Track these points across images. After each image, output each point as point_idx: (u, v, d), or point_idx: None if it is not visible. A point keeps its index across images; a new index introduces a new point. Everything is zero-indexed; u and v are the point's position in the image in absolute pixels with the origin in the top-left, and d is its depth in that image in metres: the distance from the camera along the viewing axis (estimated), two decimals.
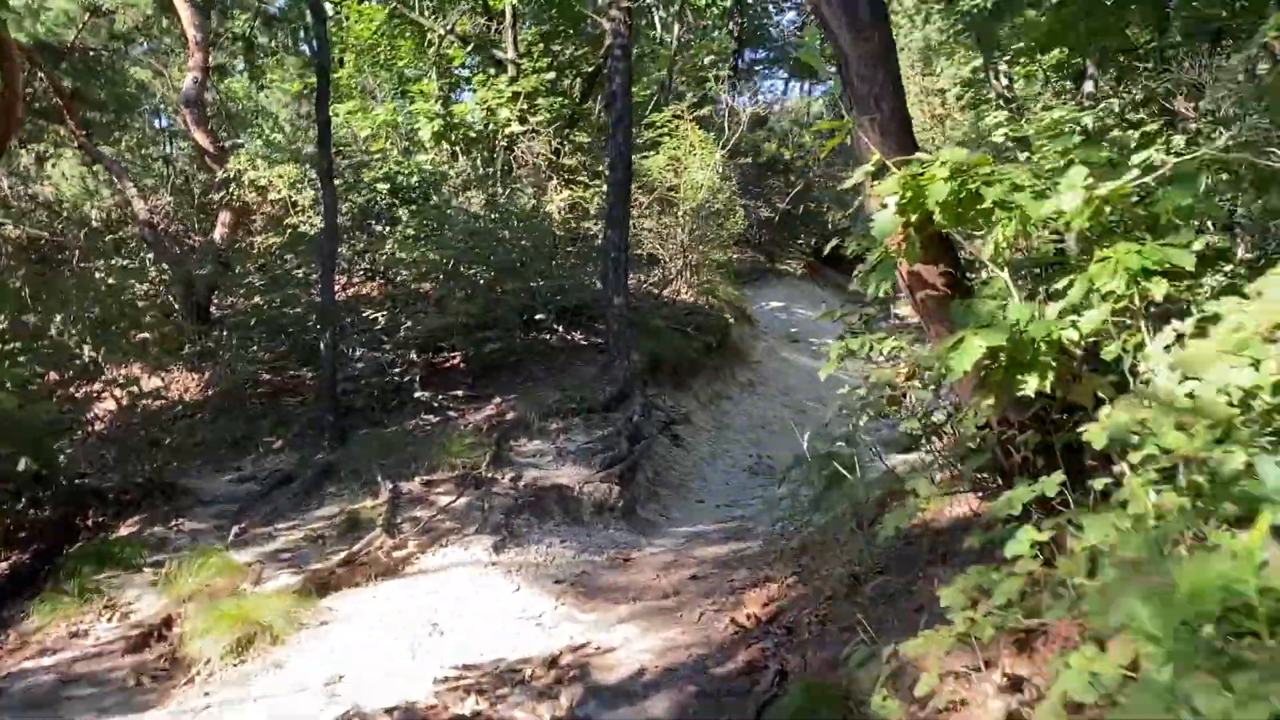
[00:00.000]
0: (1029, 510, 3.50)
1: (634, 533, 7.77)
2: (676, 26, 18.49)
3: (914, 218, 4.08)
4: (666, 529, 8.08)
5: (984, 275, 6.52)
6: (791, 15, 30.86)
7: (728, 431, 11.14)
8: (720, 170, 13.44)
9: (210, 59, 13.38)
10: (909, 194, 3.98)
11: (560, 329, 11.01)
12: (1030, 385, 3.64)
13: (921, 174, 3.92)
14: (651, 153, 13.27)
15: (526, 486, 7.79)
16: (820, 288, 21.69)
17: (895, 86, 4.60)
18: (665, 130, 13.47)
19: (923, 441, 5.24)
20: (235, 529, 7.50)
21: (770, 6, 31.22)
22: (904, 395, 5.40)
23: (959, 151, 3.92)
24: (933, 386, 5.33)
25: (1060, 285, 3.80)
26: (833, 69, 4.89)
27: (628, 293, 9.54)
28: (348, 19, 14.47)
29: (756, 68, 29.08)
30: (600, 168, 13.94)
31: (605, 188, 9.94)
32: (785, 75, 30.56)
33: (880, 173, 4.21)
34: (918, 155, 4.07)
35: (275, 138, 14.01)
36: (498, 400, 9.38)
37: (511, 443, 8.53)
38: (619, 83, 8.96)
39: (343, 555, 6.60)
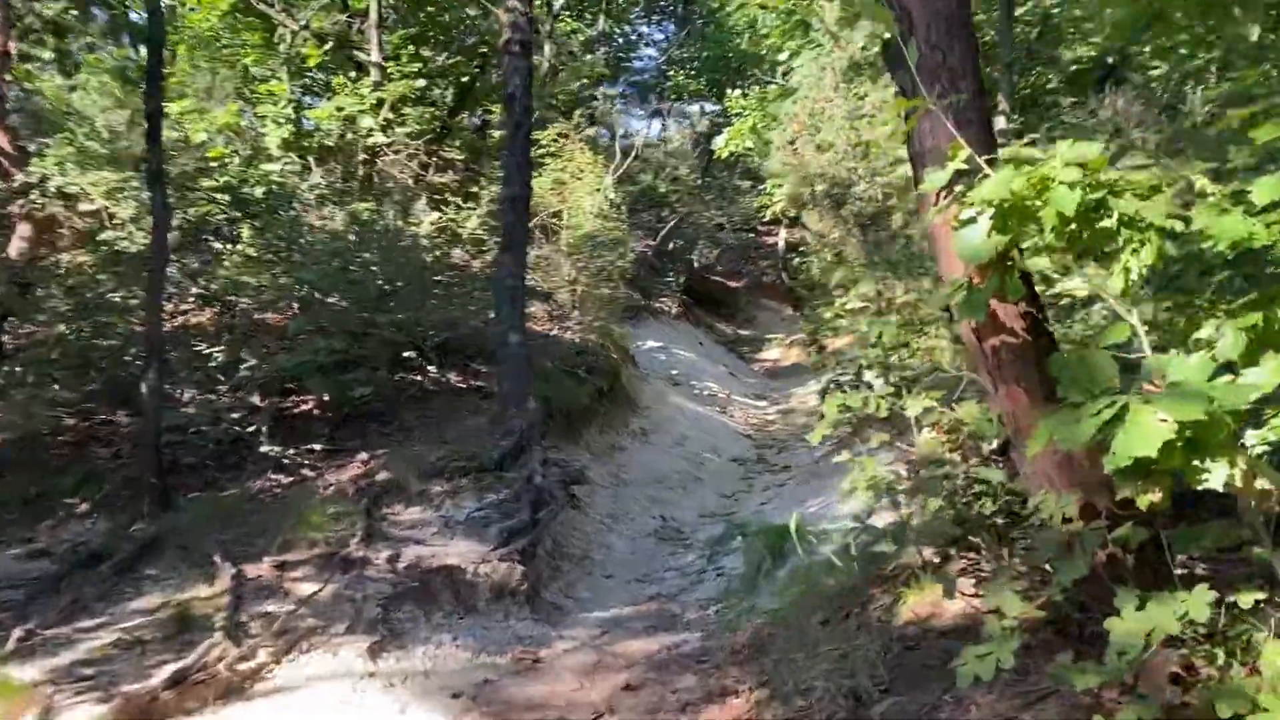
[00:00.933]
0: None
1: (541, 623, 6.39)
2: (547, 46, 17.39)
3: (1013, 237, 3.05)
4: (577, 615, 6.73)
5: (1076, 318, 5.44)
6: (651, 52, 30.45)
7: (626, 488, 9.90)
8: (610, 197, 12.34)
9: (12, 45, 11.20)
10: (1015, 203, 2.93)
11: (435, 370, 9.52)
12: (1216, 477, 2.62)
13: (1032, 177, 2.89)
14: (534, 173, 12.01)
15: (408, 568, 6.28)
16: (694, 327, 20.86)
17: (975, 63, 3.55)
18: (549, 149, 12.25)
19: (972, 534, 4.14)
20: (18, 631, 5.64)
21: (635, 37, 30.76)
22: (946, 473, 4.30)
23: (1090, 146, 2.91)
24: (995, 462, 4.26)
25: (1204, 334, 2.82)
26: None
27: (524, 329, 8.20)
28: (183, 4, 12.55)
29: (618, 103, 28.36)
30: (474, 189, 12.55)
31: (499, 205, 8.60)
32: (645, 113, 30.04)
33: (966, 173, 3.15)
34: (1011, 152, 3.03)
35: (90, 145, 11.90)
36: (365, 456, 7.80)
37: (386, 510, 7.00)
38: (518, 83, 7.68)
39: (170, 672, 4.93)
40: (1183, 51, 12.19)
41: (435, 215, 11.71)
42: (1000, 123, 10.97)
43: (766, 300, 26.96)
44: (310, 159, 11.91)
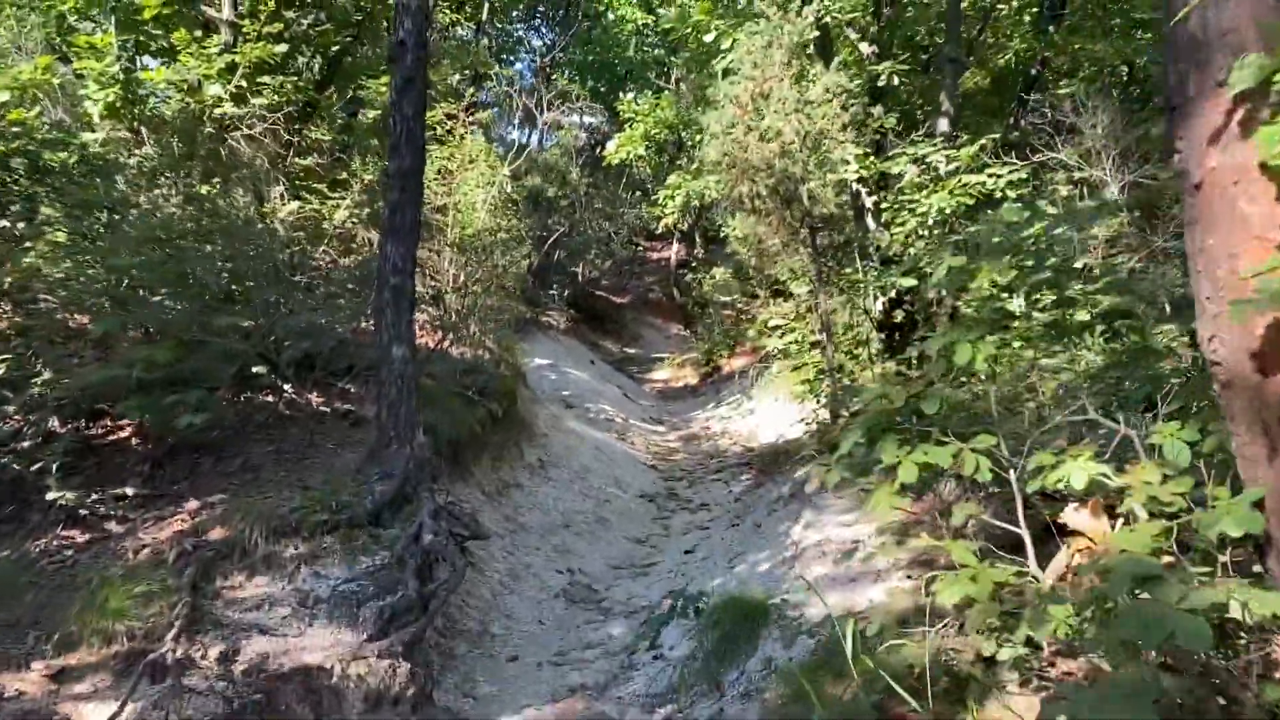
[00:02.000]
0: None
1: None
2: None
3: None
4: None
5: None
6: (519, 66, 28.86)
7: (525, 535, 8.27)
8: (505, 192, 10.71)
9: None
10: None
11: (291, 390, 7.67)
12: None
13: None
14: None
15: (249, 673, 4.51)
16: (582, 343, 19.35)
17: None
18: (435, 133, 10.53)
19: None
20: None
21: (514, 41, 29.13)
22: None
23: None
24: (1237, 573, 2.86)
25: None
26: None
27: (413, 342, 6.46)
28: None
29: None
30: (342, 175, 10.68)
31: (383, 181, 6.81)
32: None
33: None
34: None
35: None
36: (194, 505, 5.91)
37: (221, 583, 5.17)
38: (409, 28, 5.96)
39: None
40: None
41: (296, 205, 9.80)
42: (943, 125, 9.99)
43: (653, 318, 25.75)
44: (143, 130, 9.80)
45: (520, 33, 29.84)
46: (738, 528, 8.70)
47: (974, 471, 3.06)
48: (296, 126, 10.77)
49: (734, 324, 19.45)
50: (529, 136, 20.73)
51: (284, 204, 9.93)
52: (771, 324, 10.95)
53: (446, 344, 9.43)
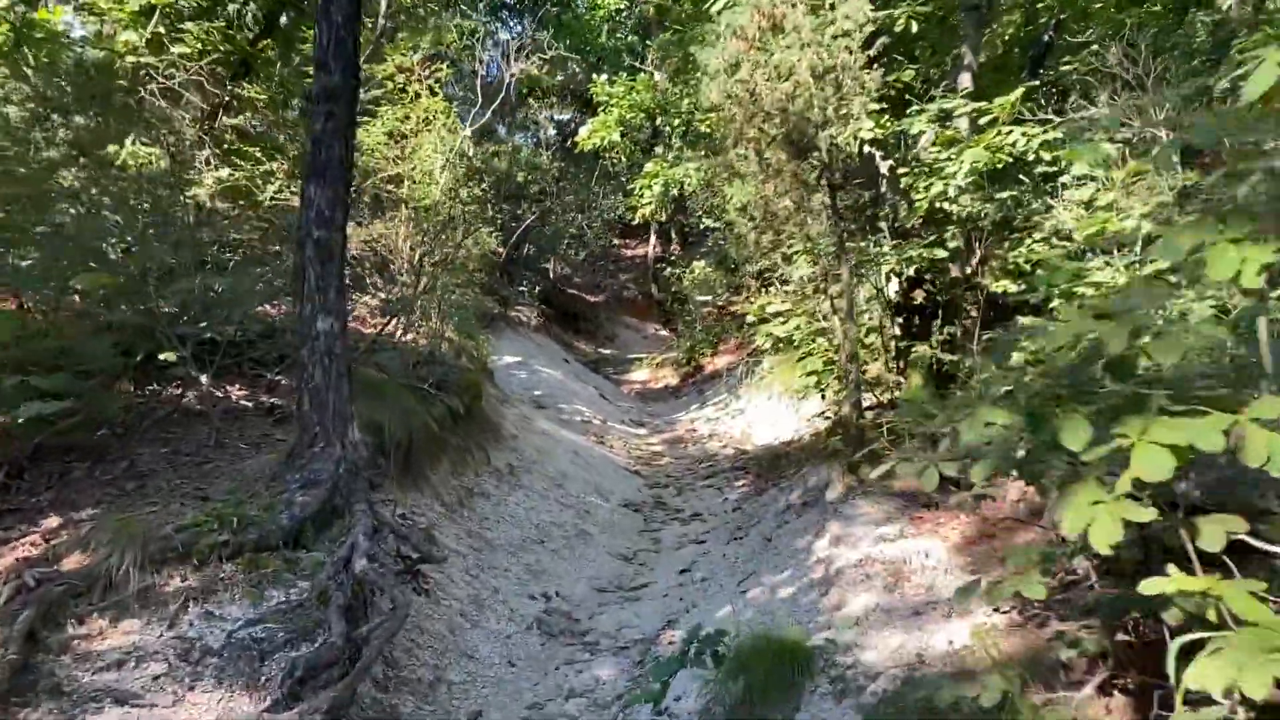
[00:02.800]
0: None
1: None
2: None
3: None
4: None
5: None
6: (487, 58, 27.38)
7: (492, 554, 6.92)
8: (469, 159, 9.37)
9: None
10: None
11: (207, 380, 6.27)
12: None
13: None
14: (364, 120, 8.90)
15: None
16: (555, 342, 18.00)
17: None
18: (386, 88, 9.15)
19: None
20: None
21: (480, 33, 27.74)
22: None
23: None
24: None
25: None
26: None
27: (344, 313, 5.08)
28: None
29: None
30: (282, 138, 9.31)
31: (307, 105, 5.40)
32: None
33: None
34: None
35: None
36: (54, 521, 4.52)
37: (72, 631, 3.79)
38: None
39: None
40: None
41: (225, 172, 8.41)
42: (965, 80, 8.79)
43: (628, 317, 24.44)
44: (38, 78, 8.36)
45: (484, 25, 28.54)
46: (741, 541, 7.41)
47: (1265, 462, 1.77)
48: (229, 86, 9.36)
49: (716, 321, 18.21)
50: (495, 117, 19.31)
51: (211, 171, 8.54)
52: (770, 309, 9.67)
53: (399, 330, 8.05)
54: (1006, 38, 10.87)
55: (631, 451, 11.85)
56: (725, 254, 17.35)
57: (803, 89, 6.27)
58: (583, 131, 20.04)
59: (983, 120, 7.74)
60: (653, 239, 21.17)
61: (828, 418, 9.84)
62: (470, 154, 8.95)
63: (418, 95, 9.15)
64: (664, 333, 22.50)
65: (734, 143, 6.91)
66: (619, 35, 26.20)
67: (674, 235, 24.68)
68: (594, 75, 20.07)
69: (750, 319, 10.77)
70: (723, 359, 17.16)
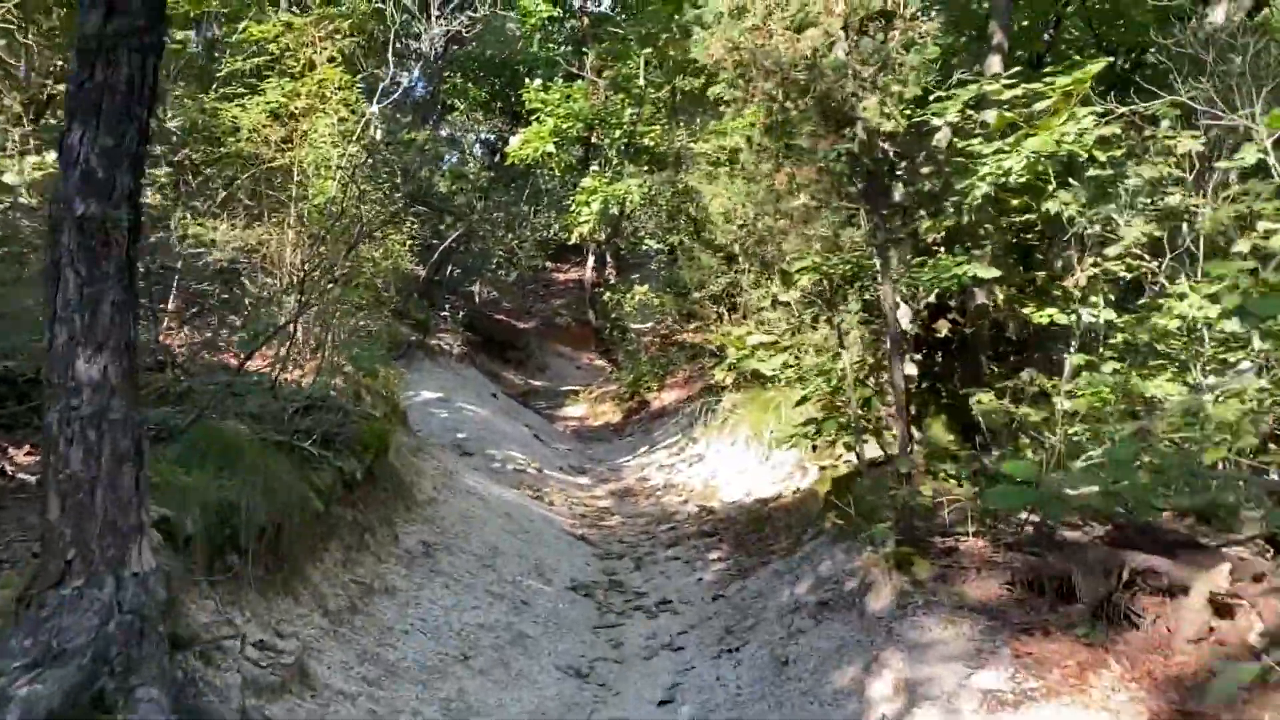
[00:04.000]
0: None
1: None
2: None
3: None
4: None
5: None
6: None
7: (395, 686, 4.88)
8: (373, 149, 7.38)
9: None
10: None
11: None
12: None
13: None
14: (244, 93, 6.86)
15: None
16: (481, 373, 15.94)
17: None
18: (270, 52, 7.11)
19: None
20: None
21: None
22: None
23: None
24: None
25: None
26: None
27: (130, 348, 2.99)
28: None
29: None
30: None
31: (77, 39, 3.36)
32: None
33: None
34: None
35: None
36: None
37: None
38: None
39: None
40: None
41: (39, 160, 6.29)
42: (994, 64, 7.17)
43: (561, 346, 22.48)
44: None
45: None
46: (736, 656, 5.51)
47: None
48: (61, 46, 7.23)
49: (662, 351, 16.40)
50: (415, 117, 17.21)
51: (19, 162, 6.40)
52: (751, 340, 7.87)
53: (274, 368, 6.00)
54: (1024, 23, 9.39)
55: (574, 508, 9.88)
56: (674, 277, 15.61)
57: (833, 40, 4.52)
58: (513, 142, 18.18)
59: (1038, 106, 6.10)
60: (590, 260, 19.30)
61: (824, 469, 8.10)
62: (378, 138, 6.94)
63: (312, 65, 7.16)
64: (600, 363, 20.60)
65: (744, 100, 5.09)
66: (551, 45, 24.41)
67: (610, 259, 22.91)
68: (527, 81, 18.19)
69: (726, 352, 9.01)
70: (670, 394, 15.34)
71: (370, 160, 6.94)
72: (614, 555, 8.34)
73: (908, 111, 5.31)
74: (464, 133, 19.34)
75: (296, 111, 7.02)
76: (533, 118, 18.09)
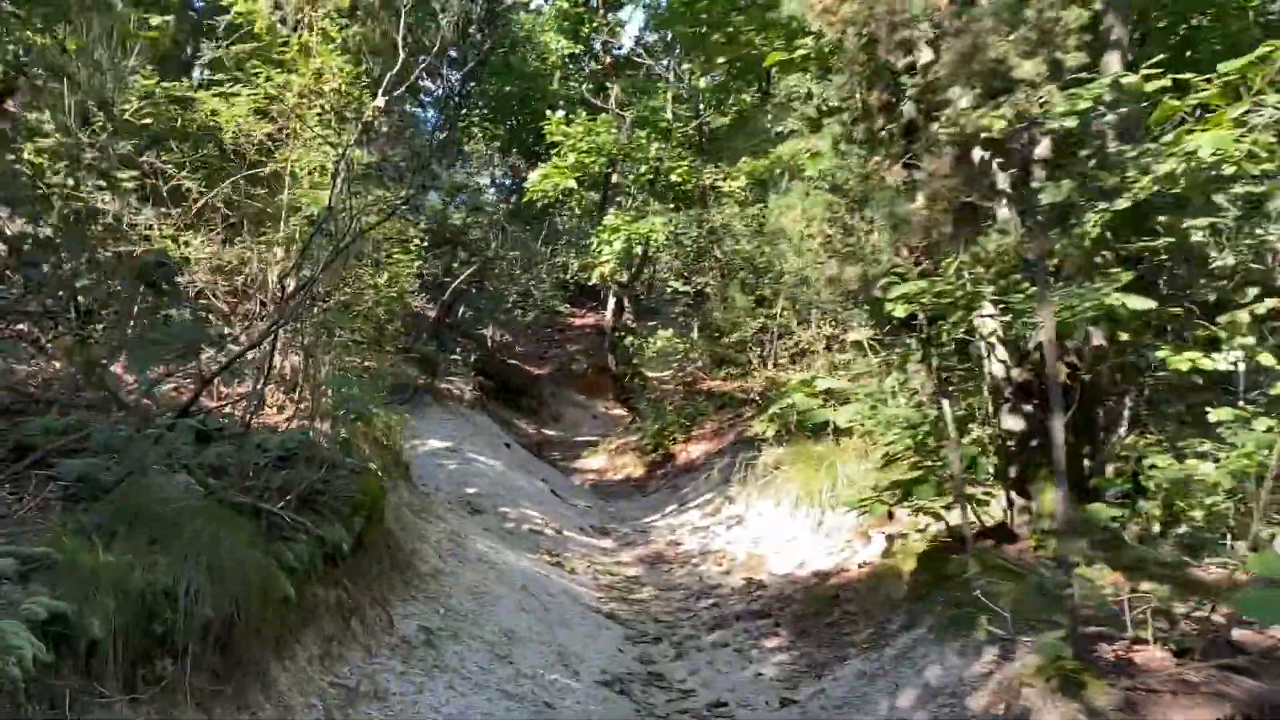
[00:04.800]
0: None
1: None
2: None
3: None
4: None
5: None
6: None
7: None
8: (376, 151, 6.27)
9: None
10: None
11: None
12: None
13: None
14: (223, 82, 5.77)
15: None
16: (494, 421, 14.74)
17: None
18: (255, 43, 6.01)
19: None
20: None
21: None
22: None
23: None
24: None
25: None
26: None
27: None
28: None
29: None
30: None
31: None
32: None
33: None
34: None
35: None
36: None
37: None
38: None
39: None
40: None
41: None
42: (1112, 62, 6.02)
43: (575, 393, 21.27)
44: None
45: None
46: None
47: None
48: None
49: (687, 399, 15.19)
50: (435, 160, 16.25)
51: None
52: (820, 385, 6.66)
53: (241, 411, 4.81)
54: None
55: (599, 577, 8.61)
56: (705, 320, 14.48)
57: None
58: (532, 177, 17.16)
59: (1190, 100, 4.95)
60: (610, 303, 18.20)
61: (894, 539, 6.84)
62: (383, 137, 5.80)
63: (306, 50, 6.06)
64: (619, 411, 19.41)
65: (845, 94, 3.96)
66: (572, 83, 23.60)
67: (627, 304, 21.83)
68: (548, 113, 17.26)
69: (772, 401, 7.82)
70: (698, 446, 14.10)
71: (375, 163, 5.83)
72: (649, 637, 7.05)
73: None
74: (481, 168, 18.32)
75: (286, 102, 5.92)
76: (553, 152, 17.15)
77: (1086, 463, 5.98)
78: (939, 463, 5.81)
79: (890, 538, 7.20)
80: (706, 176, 16.89)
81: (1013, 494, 6.24)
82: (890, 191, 4.23)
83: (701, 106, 18.15)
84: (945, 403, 5.41)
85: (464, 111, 22.93)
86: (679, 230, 16.01)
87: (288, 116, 5.92)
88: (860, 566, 7.52)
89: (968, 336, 6.20)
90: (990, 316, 5.96)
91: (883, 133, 4.40)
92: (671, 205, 17.23)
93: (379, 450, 7.15)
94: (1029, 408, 5.89)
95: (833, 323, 9.81)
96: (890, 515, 6.73)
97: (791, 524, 9.27)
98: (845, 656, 5.71)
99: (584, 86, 22.99)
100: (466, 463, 10.72)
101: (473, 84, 23.85)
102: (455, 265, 14.66)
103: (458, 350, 15.90)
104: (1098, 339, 5.91)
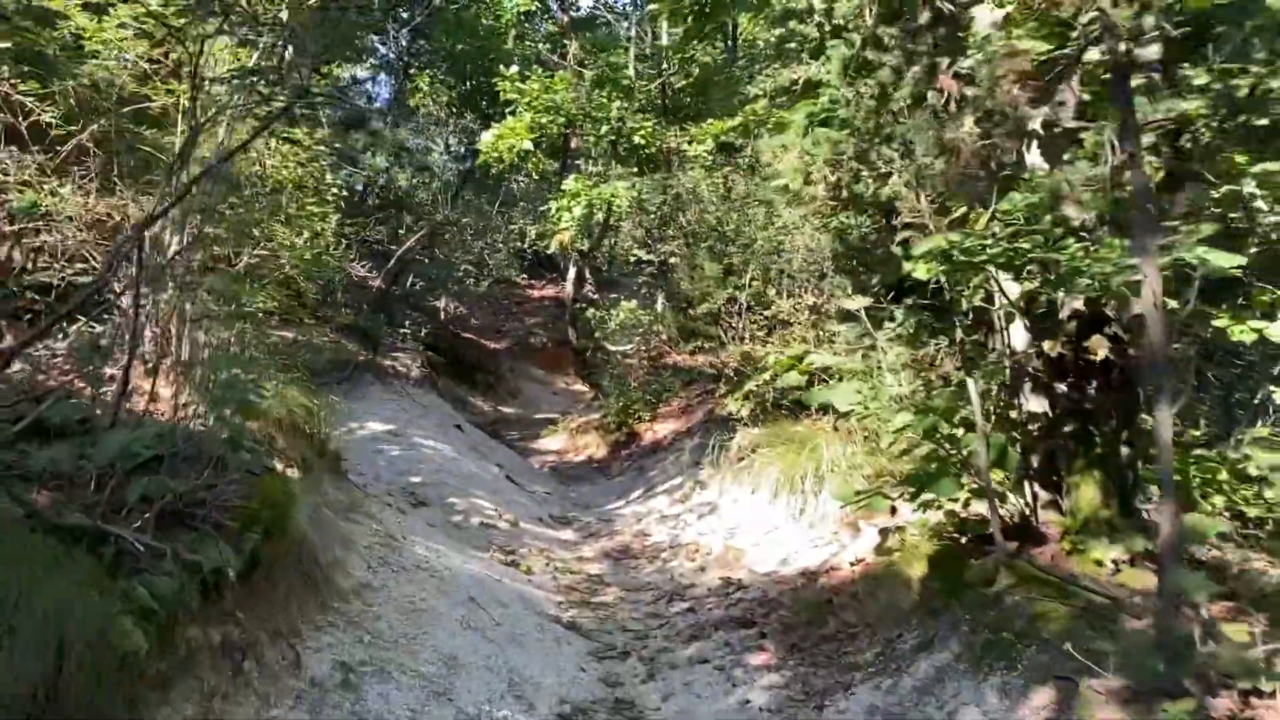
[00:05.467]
0: None
1: None
2: None
3: None
4: None
5: None
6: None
7: None
8: (298, 74, 5.20)
9: None
10: None
11: None
12: None
13: None
14: None
15: None
16: (445, 400, 13.68)
17: None
18: None
19: None
20: None
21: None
22: None
23: None
24: None
25: None
26: None
27: None
28: None
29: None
30: None
31: None
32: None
33: None
34: None
35: None
36: None
37: None
38: None
39: None
40: None
41: None
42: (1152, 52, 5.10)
43: (535, 368, 20.26)
44: None
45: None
46: None
47: None
48: None
49: (653, 374, 14.23)
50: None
51: None
52: (815, 361, 5.75)
53: (120, 393, 3.78)
54: None
55: (559, 577, 7.67)
56: (673, 290, 13.51)
57: None
58: (485, 138, 16.00)
59: None
60: (571, 273, 17.13)
61: (889, 533, 5.97)
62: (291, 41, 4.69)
63: None
64: (580, 387, 18.42)
65: None
66: (529, 42, 22.30)
67: (588, 275, 20.79)
68: (501, 69, 16.08)
69: (768, 376, 6.91)
70: (665, 425, 13.17)
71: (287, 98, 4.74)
72: (615, 652, 6.12)
73: None
74: (430, 129, 17.03)
75: (175, 34, 4.83)
76: (508, 111, 15.99)
77: (1124, 451, 5.14)
78: (955, 452, 4.92)
79: (884, 531, 6.33)
80: (671, 139, 15.90)
81: (1036, 487, 5.40)
82: (927, 115, 3.33)
83: (665, 65, 17.08)
84: (971, 381, 4.52)
85: (413, 71, 21.55)
86: (643, 195, 15.01)
87: (177, 39, 4.83)
88: (853, 565, 6.65)
89: (985, 305, 5.31)
90: (1016, 280, 5.08)
91: (923, 38, 3.47)
92: (635, 169, 16.21)
93: (297, 439, 6.12)
94: (1062, 387, 5.01)
95: (815, 291, 8.89)
96: (893, 511, 5.85)
97: (771, 512, 8.39)
98: (849, 683, 4.83)
99: (541, 45, 21.74)
100: (411, 447, 9.69)
101: (423, 42, 22.51)
102: (401, 232, 13.50)
103: (408, 324, 14.78)
104: (1138, 306, 5.05)
